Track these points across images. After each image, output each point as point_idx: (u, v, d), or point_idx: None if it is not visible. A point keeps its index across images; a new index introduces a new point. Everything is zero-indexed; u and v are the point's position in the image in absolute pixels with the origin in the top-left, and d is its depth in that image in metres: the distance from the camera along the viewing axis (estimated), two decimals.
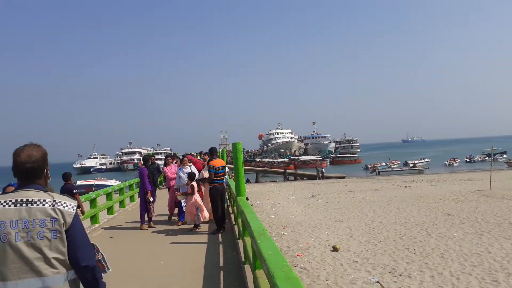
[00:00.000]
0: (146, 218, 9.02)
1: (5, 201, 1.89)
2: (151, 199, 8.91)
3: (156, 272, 5.58)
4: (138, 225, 9.06)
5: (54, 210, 1.90)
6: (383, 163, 54.37)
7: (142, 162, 10.44)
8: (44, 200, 1.91)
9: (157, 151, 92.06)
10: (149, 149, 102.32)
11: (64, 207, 1.94)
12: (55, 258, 1.87)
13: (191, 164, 9.61)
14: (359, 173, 47.35)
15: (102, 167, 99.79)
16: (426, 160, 57.64)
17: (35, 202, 1.89)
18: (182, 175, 8.99)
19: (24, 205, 1.88)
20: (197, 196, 8.29)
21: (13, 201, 1.89)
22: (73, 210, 1.97)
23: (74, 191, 7.14)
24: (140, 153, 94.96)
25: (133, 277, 5.35)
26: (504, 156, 58.39)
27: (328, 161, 74.35)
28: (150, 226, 8.97)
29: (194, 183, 8.37)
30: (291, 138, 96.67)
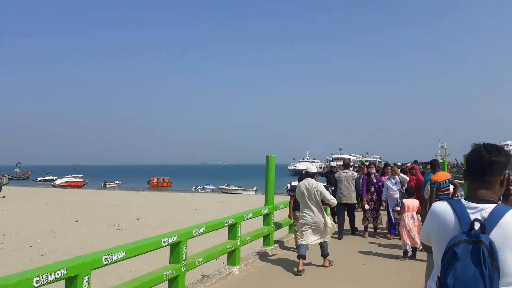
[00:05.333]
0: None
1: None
2: (366, 207, 8.89)
3: (372, 278, 5.89)
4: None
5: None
6: None
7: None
8: None
9: (366, 159, 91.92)
10: (358, 155, 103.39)
11: None
12: None
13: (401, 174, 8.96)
14: None
15: None
16: None
17: None
18: (390, 185, 8.47)
19: None
20: (406, 217, 7.01)
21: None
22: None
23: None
24: (349, 159, 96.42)
25: (352, 278, 5.90)
26: None
27: None
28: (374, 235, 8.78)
29: (405, 200, 7.23)
30: None
